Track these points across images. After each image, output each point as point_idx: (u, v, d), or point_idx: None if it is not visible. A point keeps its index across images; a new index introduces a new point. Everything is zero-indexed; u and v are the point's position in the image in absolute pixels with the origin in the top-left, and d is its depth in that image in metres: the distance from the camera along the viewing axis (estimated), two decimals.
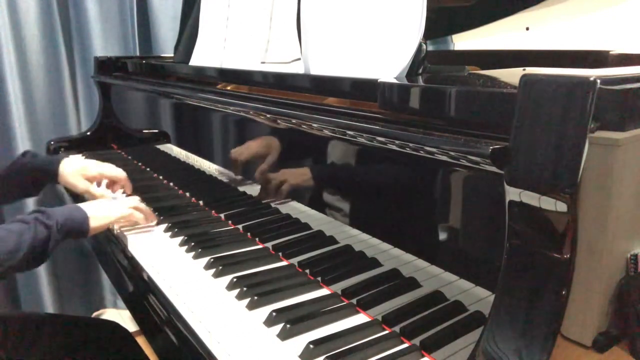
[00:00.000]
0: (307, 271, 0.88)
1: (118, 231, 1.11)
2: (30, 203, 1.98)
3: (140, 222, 1.10)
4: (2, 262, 0.88)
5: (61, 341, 1.12)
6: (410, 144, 0.65)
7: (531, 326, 0.50)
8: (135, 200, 1.14)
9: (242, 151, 1.12)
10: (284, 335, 0.70)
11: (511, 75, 0.67)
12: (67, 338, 1.14)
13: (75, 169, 1.27)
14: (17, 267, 0.91)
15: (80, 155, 1.35)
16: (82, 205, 1.05)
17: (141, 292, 0.94)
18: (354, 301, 0.78)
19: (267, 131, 1.03)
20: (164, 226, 1.11)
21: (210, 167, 1.27)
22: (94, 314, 2.19)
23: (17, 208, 1.93)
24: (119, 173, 1.28)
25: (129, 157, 1.76)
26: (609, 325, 0.56)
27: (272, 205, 1.05)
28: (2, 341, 1.06)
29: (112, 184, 1.28)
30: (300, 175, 0.98)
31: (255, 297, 0.79)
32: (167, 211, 1.20)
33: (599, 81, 0.46)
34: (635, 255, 0.57)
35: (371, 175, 0.81)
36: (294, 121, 0.89)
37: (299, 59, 0.98)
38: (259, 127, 1.06)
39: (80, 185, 1.26)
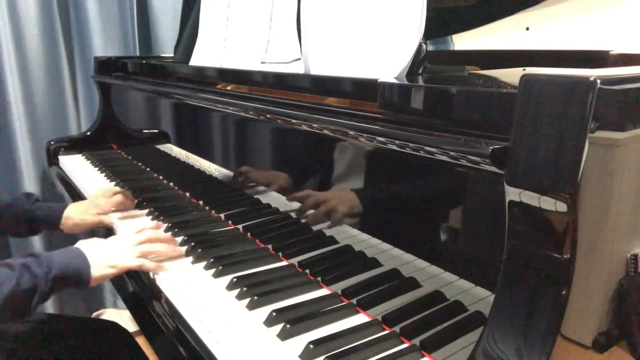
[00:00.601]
0: (307, 271, 0.88)
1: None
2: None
3: (164, 256, 0.96)
4: None
5: (61, 341, 1.12)
6: (410, 144, 0.65)
7: (531, 326, 0.50)
8: (145, 235, 0.97)
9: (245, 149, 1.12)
10: (284, 335, 0.70)
11: (511, 75, 0.67)
12: (67, 338, 1.14)
13: (82, 211, 1.21)
14: None
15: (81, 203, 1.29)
16: (85, 248, 0.90)
17: (141, 293, 0.94)
18: (354, 301, 0.78)
19: (267, 132, 1.03)
20: (164, 226, 1.11)
21: (210, 167, 1.28)
22: (94, 314, 2.18)
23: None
24: (124, 199, 1.23)
25: (129, 157, 1.76)
26: (609, 325, 0.56)
27: (272, 205, 1.05)
28: (2, 341, 1.06)
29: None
30: (300, 175, 0.98)
31: (255, 297, 0.79)
32: (167, 211, 1.20)
33: (599, 81, 0.46)
34: (635, 255, 0.57)
35: (371, 175, 0.81)
36: (294, 121, 0.89)
37: (299, 59, 0.98)
38: (259, 127, 1.06)
39: (90, 222, 1.20)
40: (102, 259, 0.90)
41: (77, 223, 1.21)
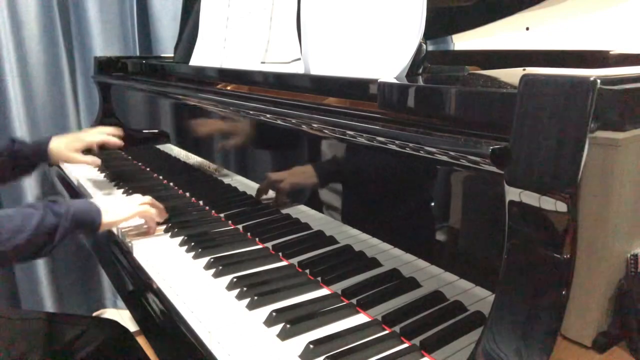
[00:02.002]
0: (307, 271, 0.88)
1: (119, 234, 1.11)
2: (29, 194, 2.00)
3: (153, 219, 1.08)
4: (5, 241, 0.86)
5: (62, 340, 1.12)
6: (410, 144, 0.65)
7: (531, 326, 0.50)
8: (148, 197, 1.12)
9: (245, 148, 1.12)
10: (284, 335, 0.70)
11: (511, 75, 0.67)
12: (67, 337, 1.14)
13: (66, 143, 1.34)
14: (21, 250, 0.88)
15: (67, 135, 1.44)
16: (95, 200, 1.05)
17: (141, 292, 0.94)
18: (354, 301, 0.78)
19: (267, 131, 1.03)
20: (164, 226, 1.11)
21: (210, 167, 1.28)
22: (94, 314, 2.19)
23: (16, 199, 1.94)
24: (108, 135, 1.39)
25: (129, 157, 1.76)
26: (609, 325, 0.56)
27: (272, 205, 1.05)
28: (2, 340, 1.06)
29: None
30: (300, 175, 0.98)
31: (255, 297, 0.79)
32: (167, 211, 1.19)
33: (599, 81, 0.46)
34: (635, 255, 0.57)
35: (371, 175, 0.81)
36: (294, 121, 0.89)
37: (299, 59, 0.98)
38: (258, 127, 1.06)
39: (75, 158, 1.34)
40: (113, 207, 1.03)
41: (62, 157, 1.35)
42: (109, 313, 2.21)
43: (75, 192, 1.54)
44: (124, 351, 1.18)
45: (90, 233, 1.06)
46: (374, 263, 0.82)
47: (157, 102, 1.53)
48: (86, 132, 1.46)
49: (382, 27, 0.82)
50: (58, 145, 1.36)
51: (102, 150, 1.46)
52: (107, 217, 1.01)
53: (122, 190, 1.40)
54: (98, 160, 1.38)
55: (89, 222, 0.98)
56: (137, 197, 1.11)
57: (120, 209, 1.05)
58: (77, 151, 1.37)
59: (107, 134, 1.43)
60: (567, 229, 0.49)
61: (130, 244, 1.05)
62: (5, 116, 1.88)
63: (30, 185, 1.96)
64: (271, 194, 1.06)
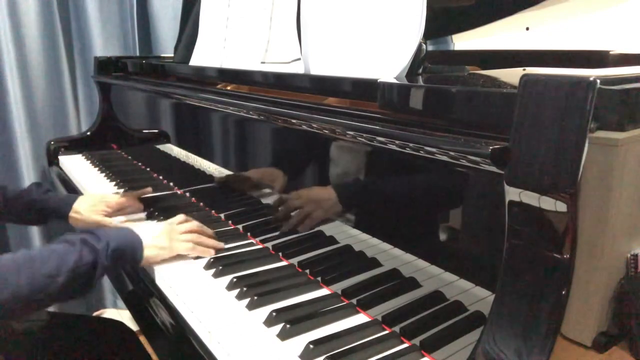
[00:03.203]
0: (307, 271, 0.88)
1: None
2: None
3: (206, 251, 0.96)
4: (41, 288, 0.77)
5: (63, 339, 1.12)
6: (410, 144, 0.65)
7: (531, 326, 0.50)
8: (195, 228, 0.99)
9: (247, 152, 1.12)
10: (283, 335, 0.70)
11: (511, 75, 0.67)
12: (69, 336, 1.14)
13: (90, 206, 1.19)
14: (57, 294, 0.80)
15: (94, 194, 1.29)
16: (137, 229, 0.92)
17: (141, 292, 0.94)
18: (354, 301, 0.78)
19: (267, 131, 1.03)
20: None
21: (210, 167, 1.27)
22: (94, 314, 2.18)
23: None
24: (133, 200, 1.22)
25: (129, 157, 1.76)
26: (609, 325, 0.56)
27: (272, 205, 1.05)
28: (3, 339, 1.06)
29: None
30: (300, 175, 0.98)
31: (255, 297, 0.79)
32: (167, 211, 1.19)
33: (599, 81, 0.46)
34: (635, 255, 0.57)
35: (371, 175, 0.81)
36: (294, 121, 0.89)
37: (299, 59, 0.98)
38: (258, 127, 1.06)
39: (93, 220, 1.18)
40: (154, 241, 0.92)
41: (83, 219, 1.19)
42: (109, 313, 2.21)
43: (75, 192, 1.54)
44: (127, 350, 1.18)
45: (130, 268, 0.96)
46: (374, 263, 0.82)
47: (157, 102, 1.53)
48: (111, 198, 1.24)
49: (382, 27, 0.82)
50: (82, 206, 1.21)
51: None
52: (149, 252, 0.90)
53: (122, 190, 1.40)
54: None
55: (129, 257, 0.89)
56: (181, 226, 0.97)
57: (165, 243, 0.92)
58: (100, 214, 1.20)
59: (134, 198, 1.24)
60: (567, 229, 0.49)
61: None
62: (5, 116, 1.87)
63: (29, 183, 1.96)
64: (274, 195, 1.06)
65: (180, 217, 1.01)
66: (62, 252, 0.81)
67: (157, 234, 0.93)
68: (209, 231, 1.01)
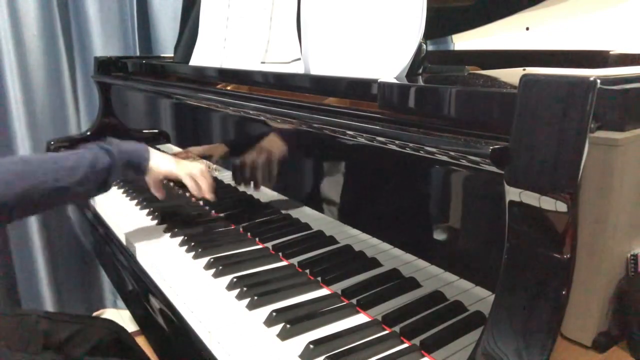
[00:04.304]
0: (307, 271, 0.88)
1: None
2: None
3: (202, 187, 1.06)
4: (61, 178, 0.90)
5: (59, 338, 1.12)
6: (410, 144, 0.65)
7: (531, 326, 0.50)
8: (200, 166, 1.08)
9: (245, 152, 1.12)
10: (283, 335, 0.70)
11: (511, 75, 0.67)
12: (64, 335, 1.14)
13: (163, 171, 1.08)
14: (79, 186, 0.92)
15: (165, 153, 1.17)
16: (151, 150, 1.05)
17: (141, 292, 0.94)
18: (354, 301, 0.78)
19: (267, 131, 1.03)
20: (164, 226, 1.11)
21: (210, 166, 1.27)
22: (94, 314, 2.18)
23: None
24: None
25: None
26: (609, 325, 0.56)
27: (272, 205, 1.05)
28: (2, 339, 1.06)
29: None
30: (299, 175, 0.98)
31: (255, 297, 0.79)
32: (167, 211, 1.19)
33: (599, 81, 0.46)
34: (635, 255, 0.57)
35: (371, 175, 0.81)
36: (294, 121, 0.89)
37: (299, 59, 0.98)
38: (259, 127, 1.06)
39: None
40: (162, 159, 1.05)
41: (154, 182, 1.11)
42: (109, 313, 2.21)
43: None
44: (121, 350, 1.18)
45: (139, 172, 1.04)
46: (374, 263, 0.82)
47: (157, 102, 1.53)
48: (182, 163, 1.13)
49: (382, 27, 0.82)
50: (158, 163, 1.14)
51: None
52: (154, 162, 1.02)
53: (122, 190, 1.40)
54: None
55: (136, 162, 1.01)
56: (192, 165, 1.09)
57: (170, 162, 1.05)
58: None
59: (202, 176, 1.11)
60: (567, 229, 0.49)
61: (130, 244, 1.05)
62: (5, 116, 1.87)
63: None
64: (275, 195, 1.06)
65: (202, 166, 1.09)
66: (80, 153, 0.95)
67: (167, 157, 1.06)
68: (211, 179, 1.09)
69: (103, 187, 0.98)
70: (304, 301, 0.79)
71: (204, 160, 1.09)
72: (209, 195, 1.07)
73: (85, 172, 0.93)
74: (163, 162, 1.05)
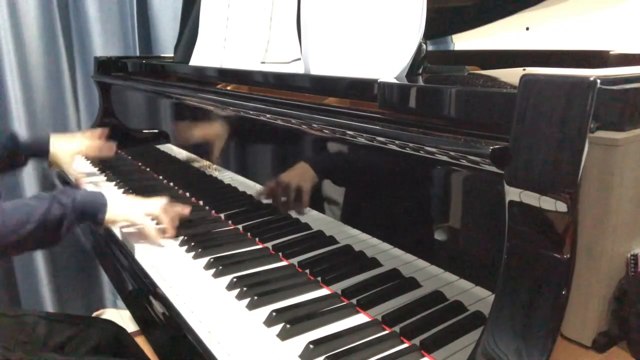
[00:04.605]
0: (307, 271, 0.88)
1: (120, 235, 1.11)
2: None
3: (152, 235, 1.02)
4: (9, 233, 0.87)
5: (60, 340, 1.12)
6: (410, 144, 0.65)
7: (531, 326, 0.50)
8: (160, 205, 1.05)
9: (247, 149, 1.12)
10: (283, 335, 0.70)
11: (511, 75, 0.67)
12: (64, 336, 1.14)
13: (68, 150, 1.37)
14: (26, 241, 0.90)
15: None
16: (107, 194, 1.02)
17: (141, 292, 0.94)
18: (354, 301, 0.78)
19: (267, 131, 1.03)
20: (163, 226, 1.10)
21: (210, 167, 1.27)
22: (94, 314, 2.18)
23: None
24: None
25: (129, 157, 1.76)
26: (609, 325, 0.56)
27: (272, 205, 1.05)
28: (1, 339, 1.06)
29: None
30: (300, 175, 0.98)
31: (255, 297, 0.79)
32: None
33: (599, 81, 0.46)
34: (635, 255, 0.57)
35: (371, 175, 0.81)
36: (294, 121, 0.89)
37: (299, 59, 0.98)
38: (258, 127, 1.06)
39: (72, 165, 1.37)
40: (120, 207, 1.03)
41: (60, 161, 1.37)
42: (109, 313, 2.21)
43: None
44: (121, 350, 1.18)
45: (96, 223, 1.03)
46: (374, 263, 0.82)
47: (157, 102, 1.53)
48: (83, 137, 1.49)
49: (382, 27, 0.82)
50: (61, 146, 1.40)
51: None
52: (110, 214, 1.00)
53: (122, 190, 1.40)
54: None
55: (91, 214, 0.98)
56: (150, 203, 1.05)
57: (128, 210, 1.03)
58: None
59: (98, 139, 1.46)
60: (567, 229, 0.49)
61: (130, 245, 1.05)
62: (5, 116, 1.87)
63: (30, 185, 1.96)
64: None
65: (164, 201, 1.07)
66: (33, 205, 0.91)
67: (125, 202, 1.07)
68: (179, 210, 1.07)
69: (55, 240, 0.95)
70: (304, 301, 0.79)
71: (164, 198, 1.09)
72: (170, 233, 1.03)
73: (35, 227, 0.89)
74: (121, 209, 1.03)
